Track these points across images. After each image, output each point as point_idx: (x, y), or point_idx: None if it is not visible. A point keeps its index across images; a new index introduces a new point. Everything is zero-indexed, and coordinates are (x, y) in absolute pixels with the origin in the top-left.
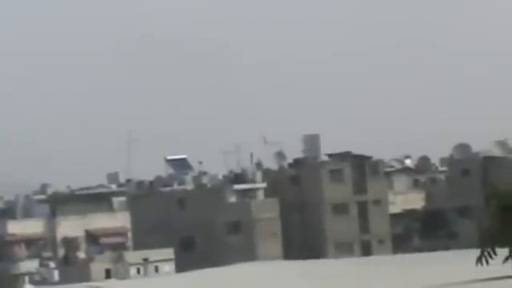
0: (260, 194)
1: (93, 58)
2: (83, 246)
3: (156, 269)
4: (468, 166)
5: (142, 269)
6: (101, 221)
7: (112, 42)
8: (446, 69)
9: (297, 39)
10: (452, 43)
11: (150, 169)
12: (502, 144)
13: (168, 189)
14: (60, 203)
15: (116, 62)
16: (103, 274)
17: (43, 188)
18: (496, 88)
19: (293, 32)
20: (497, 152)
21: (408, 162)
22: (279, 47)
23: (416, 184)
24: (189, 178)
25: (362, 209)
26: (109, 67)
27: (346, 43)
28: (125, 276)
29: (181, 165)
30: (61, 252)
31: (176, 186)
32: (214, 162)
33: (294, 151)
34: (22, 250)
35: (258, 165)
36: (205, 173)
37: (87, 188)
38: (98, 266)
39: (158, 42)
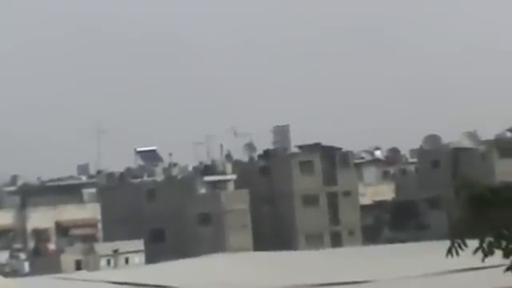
0: (230, 186)
1: (62, 46)
2: (53, 237)
3: (126, 260)
4: (438, 158)
5: (112, 260)
6: (71, 212)
7: (80, 30)
8: (418, 62)
9: (264, 27)
10: (425, 39)
11: (119, 160)
12: (471, 135)
13: (138, 180)
14: (30, 195)
15: (85, 52)
16: (73, 265)
17: (13, 179)
18: (468, 80)
19: (261, 20)
20: (467, 143)
21: (378, 153)
22: (247, 36)
23: (386, 175)
24: (159, 169)
25: (332, 200)
26: (78, 56)
27: (317, 32)
28: (95, 267)
29: (151, 156)
30: (31, 243)
31: (146, 178)
32: (183, 154)
33: (264, 143)
34: None
35: (228, 156)
36: (175, 164)
37: (57, 179)
38: (68, 258)
39: (126, 33)
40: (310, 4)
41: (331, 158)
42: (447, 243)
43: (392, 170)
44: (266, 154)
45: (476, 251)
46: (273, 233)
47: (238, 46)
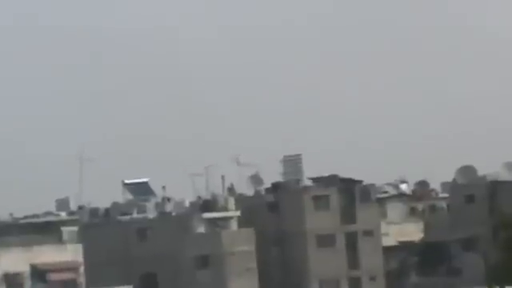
0: (233, 224)
1: (38, 68)
2: (28, 282)
3: None
4: (473, 192)
5: None
6: (48, 254)
7: (69, 50)
8: (449, 85)
9: (272, 45)
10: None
11: (105, 194)
12: (511, 166)
13: (126, 217)
14: (1, 233)
15: (66, 76)
16: None
17: None
18: (507, 103)
19: (268, 38)
20: (506, 176)
21: (404, 186)
22: (253, 54)
23: (413, 212)
24: (150, 204)
25: (351, 241)
26: (57, 80)
27: (331, 53)
28: None
29: (141, 189)
30: None
31: (136, 215)
32: (179, 187)
33: (273, 174)
34: None
35: (231, 190)
36: (169, 199)
37: (33, 216)
38: None
39: (116, 56)
40: (334, 27)
41: (350, 193)
42: None
43: (420, 206)
44: (275, 187)
45: None
46: (282, 278)
47: (242, 65)
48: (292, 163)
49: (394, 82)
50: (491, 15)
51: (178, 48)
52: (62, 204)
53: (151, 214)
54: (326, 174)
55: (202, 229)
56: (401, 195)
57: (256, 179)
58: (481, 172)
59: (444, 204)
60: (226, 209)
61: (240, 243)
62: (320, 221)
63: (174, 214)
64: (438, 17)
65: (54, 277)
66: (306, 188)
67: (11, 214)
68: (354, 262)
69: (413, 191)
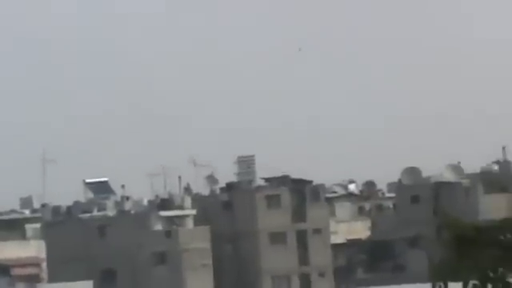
0: (189, 222)
1: (5, 68)
2: None
3: None
4: (418, 193)
5: None
6: (12, 250)
7: (26, 52)
8: (398, 89)
9: (225, 51)
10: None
11: (67, 193)
12: (454, 168)
13: (87, 215)
14: None
15: (30, 77)
16: None
17: None
18: (451, 108)
19: (222, 44)
20: (449, 177)
21: (352, 187)
22: (207, 61)
23: (361, 211)
24: (110, 203)
25: (301, 238)
26: (21, 81)
27: (283, 56)
28: None
29: (101, 188)
30: None
31: (96, 212)
32: (138, 186)
33: (227, 175)
34: None
35: (187, 189)
36: (128, 197)
37: None
38: None
39: (76, 57)
40: (288, 32)
41: (300, 192)
42: (427, 286)
43: (367, 205)
44: (229, 187)
45: None
46: (236, 274)
47: (197, 71)
48: (245, 164)
49: (341, 85)
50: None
51: (134, 49)
52: (26, 202)
53: (111, 212)
54: (278, 175)
55: (159, 226)
56: (349, 195)
57: (211, 179)
58: (425, 173)
59: (390, 204)
60: (182, 207)
61: (196, 240)
62: (272, 219)
63: (132, 212)
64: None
65: (17, 271)
66: (259, 188)
67: None
68: (304, 258)
69: (360, 191)
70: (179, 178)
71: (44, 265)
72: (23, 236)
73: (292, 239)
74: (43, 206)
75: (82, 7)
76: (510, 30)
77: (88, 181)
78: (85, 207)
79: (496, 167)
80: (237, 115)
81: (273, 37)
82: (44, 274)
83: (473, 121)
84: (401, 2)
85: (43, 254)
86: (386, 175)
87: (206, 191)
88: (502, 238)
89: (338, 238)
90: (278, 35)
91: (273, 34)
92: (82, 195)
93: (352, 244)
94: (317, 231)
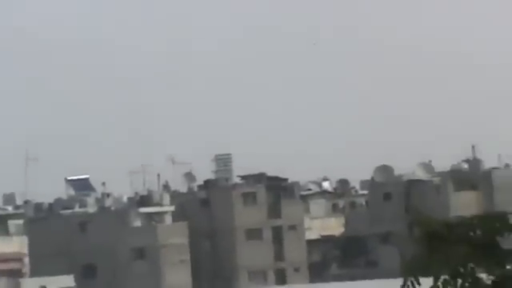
0: (168, 218)
1: None
2: None
3: None
4: (390, 190)
5: None
6: None
7: (12, 46)
8: (371, 89)
9: (201, 51)
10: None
11: (49, 190)
12: (425, 166)
13: (68, 211)
14: None
15: (12, 76)
16: None
17: None
18: (422, 107)
19: (197, 44)
20: (420, 175)
21: (326, 184)
22: (185, 60)
23: (335, 208)
24: (91, 199)
25: (277, 234)
26: (3, 81)
27: (261, 55)
28: None
29: (82, 186)
30: None
31: (77, 209)
32: (118, 183)
33: (205, 172)
34: None
35: (166, 187)
36: (108, 194)
37: None
38: None
39: (57, 56)
40: (253, 30)
41: (276, 190)
42: (398, 281)
43: (341, 202)
44: (207, 184)
45: None
46: (213, 269)
47: (175, 71)
48: (223, 162)
49: (316, 84)
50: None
51: (114, 49)
52: (9, 199)
53: (91, 209)
54: (254, 173)
55: (138, 222)
56: (323, 192)
57: (189, 177)
58: (397, 171)
59: (363, 201)
60: (161, 204)
61: (174, 236)
62: (248, 216)
63: (112, 208)
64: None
65: (0, 266)
66: (236, 185)
67: None
68: (279, 254)
69: (334, 189)
70: (158, 175)
71: (26, 260)
72: (6, 232)
73: (268, 235)
74: (26, 202)
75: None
76: (479, 30)
77: (69, 178)
78: (66, 204)
79: (466, 166)
80: (214, 115)
81: (245, 34)
82: (26, 269)
83: (443, 120)
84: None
85: (26, 250)
86: (359, 173)
87: (184, 188)
88: (471, 234)
89: (312, 234)
90: (253, 32)
91: (245, 31)
92: (64, 192)
93: (326, 240)
94: (292, 227)
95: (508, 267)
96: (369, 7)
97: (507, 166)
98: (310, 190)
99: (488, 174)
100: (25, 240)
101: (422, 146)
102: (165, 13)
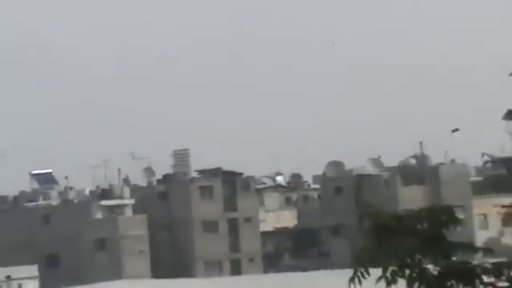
0: (128, 211)
1: None
2: None
3: (19, 286)
4: (341, 184)
5: (4, 287)
6: None
7: None
8: (322, 85)
9: (161, 51)
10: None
11: (13, 183)
12: (375, 162)
13: (32, 204)
14: None
15: None
16: None
17: None
18: (371, 108)
19: (157, 44)
20: (370, 170)
21: (279, 178)
22: (144, 59)
23: (288, 202)
24: (54, 193)
25: (233, 226)
26: None
27: (217, 54)
28: None
29: (46, 179)
30: None
31: (41, 202)
32: (80, 177)
33: (164, 167)
34: None
35: (126, 180)
36: (71, 188)
37: None
38: None
39: (22, 54)
40: (217, 30)
41: (232, 184)
42: (349, 272)
43: (294, 196)
44: (165, 178)
45: (379, 280)
46: (171, 259)
47: (135, 68)
48: (180, 157)
49: (255, 80)
50: None
51: (74, 46)
52: None
53: (55, 202)
54: (211, 167)
55: (100, 215)
56: (277, 186)
57: (149, 171)
58: (348, 166)
59: (315, 194)
60: (121, 197)
61: (134, 228)
62: (205, 209)
63: (75, 201)
64: None
65: None
66: (193, 179)
67: None
68: (235, 245)
69: (288, 183)
70: (119, 170)
71: None
72: None
73: (224, 227)
74: None
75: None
76: (418, 31)
77: (33, 172)
78: (30, 197)
79: (413, 161)
80: (173, 111)
81: (199, 30)
82: None
83: (391, 118)
84: None
85: None
86: (311, 168)
87: (143, 182)
88: (419, 227)
89: (266, 226)
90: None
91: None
92: (28, 186)
93: (280, 232)
94: (247, 220)
95: (453, 258)
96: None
97: (453, 161)
98: (264, 184)
99: (435, 169)
100: None
101: (371, 143)
102: (116, 13)
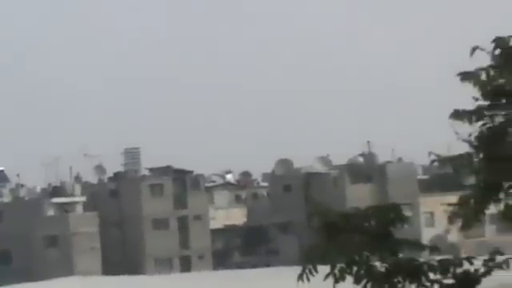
0: (79, 208)
1: None
2: None
3: None
4: (290, 182)
5: None
6: None
7: None
8: (265, 85)
9: (116, 51)
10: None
11: None
12: (323, 160)
13: None
14: None
15: None
16: None
17: None
18: (319, 104)
19: (113, 44)
20: (319, 168)
21: (229, 176)
22: (97, 57)
23: (237, 199)
24: (6, 190)
25: (183, 224)
26: None
27: (167, 53)
28: None
29: None
30: None
31: None
32: (32, 175)
33: (115, 165)
34: None
35: (77, 178)
36: (22, 185)
37: None
38: None
39: None
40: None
41: (182, 182)
42: (298, 269)
43: (244, 193)
44: (116, 176)
45: (327, 277)
46: (122, 256)
47: (87, 67)
48: (131, 155)
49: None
50: None
51: (24, 42)
52: None
53: (6, 199)
54: (161, 165)
55: (51, 212)
56: (226, 184)
57: (100, 169)
58: (296, 165)
59: (264, 192)
60: (72, 195)
61: (85, 225)
62: (155, 206)
63: (26, 198)
64: None
65: None
66: (144, 177)
67: None
68: (185, 242)
69: (237, 181)
70: (70, 167)
71: None
72: None
73: (174, 225)
74: None
75: None
76: (376, 35)
77: None
78: None
79: (361, 159)
80: (124, 110)
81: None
82: None
83: (340, 116)
84: None
85: None
86: (260, 166)
87: (94, 180)
88: (366, 224)
89: (216, 224)
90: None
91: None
92: None
93: (229, 229)
94: (197, 217)
95: (400, 256)
96: None
97: (400, 159)
98: (214, 181)
99: (382, 168)
100: None
101: (320, 141)
102: (88, 12)
